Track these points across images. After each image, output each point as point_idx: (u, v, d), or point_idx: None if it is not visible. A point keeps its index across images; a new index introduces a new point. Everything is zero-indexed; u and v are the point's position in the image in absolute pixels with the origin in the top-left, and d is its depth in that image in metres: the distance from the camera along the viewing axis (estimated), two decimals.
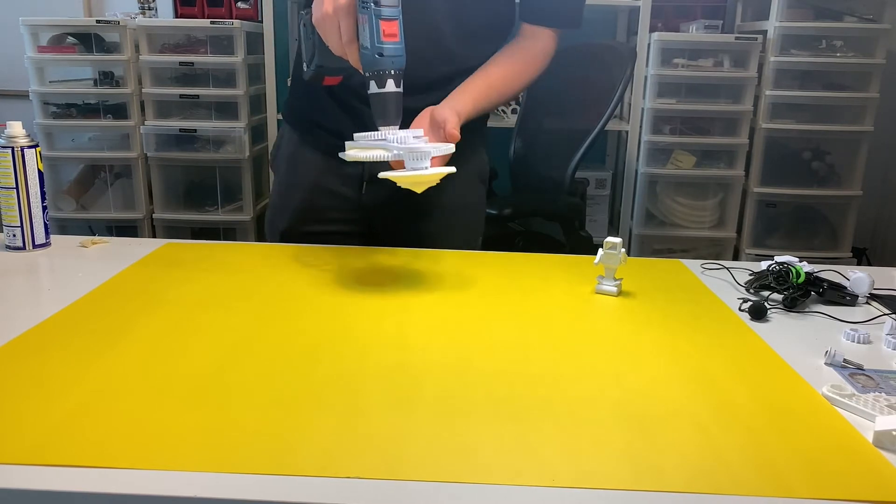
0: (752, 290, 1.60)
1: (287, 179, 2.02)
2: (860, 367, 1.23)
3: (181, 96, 3.89)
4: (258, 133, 4.14)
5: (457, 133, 1.56)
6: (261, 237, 4.07)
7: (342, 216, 1.99)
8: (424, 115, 1.63)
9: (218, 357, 1.18)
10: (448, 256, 1.77)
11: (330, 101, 1.90)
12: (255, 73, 4.05)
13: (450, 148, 1.48)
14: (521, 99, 3.80)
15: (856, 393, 1.11)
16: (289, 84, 3.89)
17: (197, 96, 3.89)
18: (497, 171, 3.41)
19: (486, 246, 2.03)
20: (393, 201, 1.96)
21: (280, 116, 3.85)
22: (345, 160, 1.49)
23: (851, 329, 1.38)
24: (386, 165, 1.64)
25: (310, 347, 1.23)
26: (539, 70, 1.88)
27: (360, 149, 1.45)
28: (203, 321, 1.33)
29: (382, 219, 2.00)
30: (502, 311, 1.43)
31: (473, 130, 2.03)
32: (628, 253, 1.73)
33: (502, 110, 4.05)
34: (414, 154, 1.41)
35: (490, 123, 3.99)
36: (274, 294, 1.48)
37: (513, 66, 1.83)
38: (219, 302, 1.43)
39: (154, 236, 4.02)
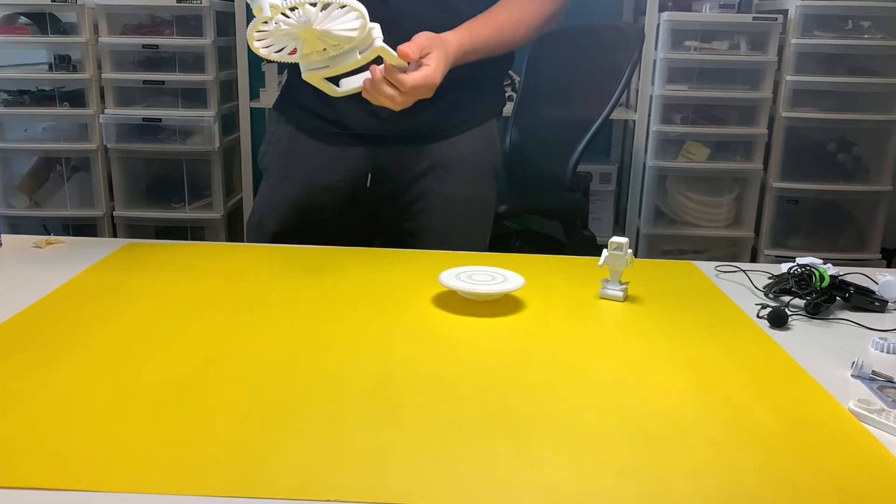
0: (771, 295, 1.60)
1: (281, 174, 2.01)
2: (890, 380, 1.23)
3: (144, 82, 3.88)
4: (229, 122, 4.13)
5: (408, 51, 1.59)
6: (232, 237, 4.07)
7: (341, 212, 1.99)
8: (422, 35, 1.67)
9: (185, 368, 1.18)
10: (438, 258, 1.77)
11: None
12: (226, 57, 4.04)
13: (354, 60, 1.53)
14: (517, 85, 3.79)
15: (885, 408, 1.11)
16: (263, 68, 3.89)
17: (162, 82, 3.89)
18: None
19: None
20: (399, 194, 1.96)
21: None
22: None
23: (880, 338, 1.38)
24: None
25: (286, 357, 1.23)
26: (548, 13, 1.91)
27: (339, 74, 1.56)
28: (169, 329, 1.33)
29: (386, 213, 2.01)
30: (497, 317, 1.43)
31: (489, 115, 2.03)
32: (635, 254, 1.73)
33: None
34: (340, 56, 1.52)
35: None
36: (246, 299, 1.48)
37: (518, 4, 1.90)
38: (186, 308, 1.43)
39: (115, 236, 4.01)
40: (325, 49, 1.51)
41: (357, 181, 1.96)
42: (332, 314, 1.42)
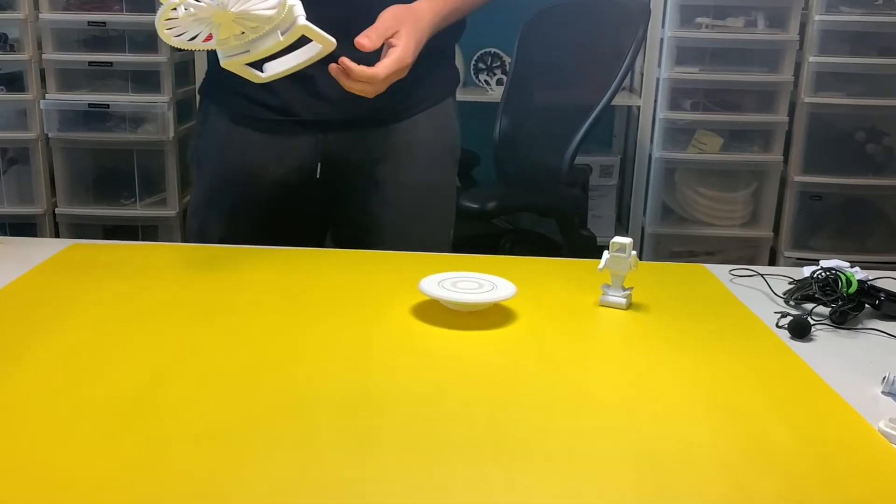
0: (792, 303, 1.60)
1: (218, 172, 2.00)
2: None
3: (90, 63, 3.87)
4: (185, 109, 4.12)
5: (364, 42, 1.66)
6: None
7: (289, 209, 1.99)
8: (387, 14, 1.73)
9: (135, 385, 1.18)
10: (416, 262, 1.77)
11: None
12: None
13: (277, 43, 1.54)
14: (507, 68, 3.80)
15: None
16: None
17: (110, 64, 3.88)
18: (478, 156, 3.42)
19: (466, 247, 2.03)
20: (353, 185, 1.96)
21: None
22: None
23: None
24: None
25: (249, 372, 1.23)
26: None
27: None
28: (117, 341, 1.32)
29: (339, 207, 2.01)
30: (485, 329, 1.43)
31: (445, 93, 2.05)
32: (640, 256, 1.73)
33: (485, 80, 4.06)
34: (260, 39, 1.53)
35: (470, 97, 4.00)
36: (205, 307, 1.48)
37: None
38: (137, 317, 1.42)
39: (57, 235, 3.99)
40: (242, 32, 1.50)
41: (306, 173, 1.95)
42: (301, 324, 1.42)
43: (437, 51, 1.89)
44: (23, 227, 3.99)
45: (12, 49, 3.86)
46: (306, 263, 1.73)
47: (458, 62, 4.04)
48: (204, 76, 2.10)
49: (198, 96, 2.11)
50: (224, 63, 1.55)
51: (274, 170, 1.95)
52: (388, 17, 1.72)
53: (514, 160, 3.26)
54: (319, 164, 1.95)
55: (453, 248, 2.10)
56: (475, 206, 2.68)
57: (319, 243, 2.06)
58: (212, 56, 1.59)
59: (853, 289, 1.53)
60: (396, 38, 1.70)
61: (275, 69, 1.61)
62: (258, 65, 1.60)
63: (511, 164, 3.27)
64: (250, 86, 1.78)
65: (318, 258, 1.77)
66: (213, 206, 2.01)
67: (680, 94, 3.96)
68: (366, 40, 1.66)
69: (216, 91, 2.02)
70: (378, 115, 1.94)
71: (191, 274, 1.64)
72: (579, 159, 2.79)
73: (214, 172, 2.00)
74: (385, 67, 1.67)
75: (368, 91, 1.69)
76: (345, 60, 1.65)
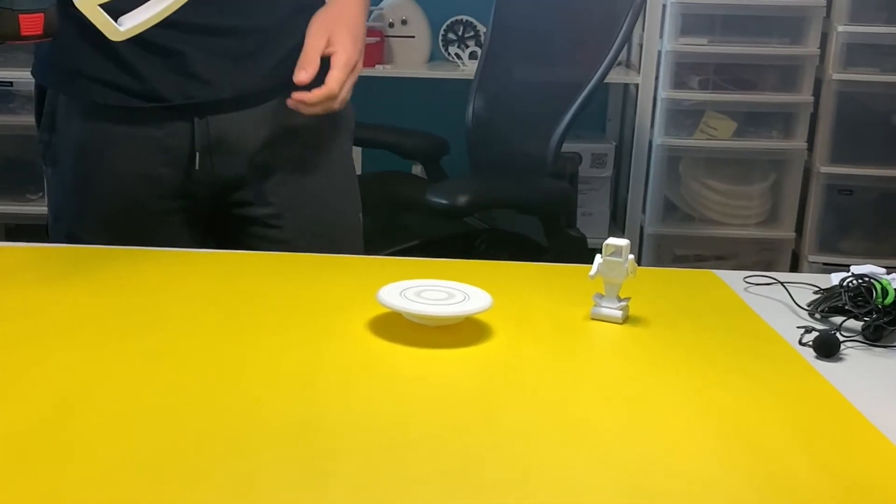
0: (818, 316, 1.61)
1: (79, 171, 1.97)
2: None
3: None
4: None
5: (302, 76, 1.82)
6: None
7: (167, 209, 1.98)
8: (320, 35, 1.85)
9: (42, 410, 1.17)
10: (374, 265, 1.77)
11: (126, 44, 1.87)
12: None
13: None
14: (482, 38, 3.80)
15: None
16: None
17: None
18: (448, 143, 3.41)
19: (434, 250, 2.03)
20: (241, 175, 1.96)
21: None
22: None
23: None
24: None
25: (177, 396, 1.22)
26: None
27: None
28: (21, 361, 1.31)
29: (227, 202, 2.00)
30: (456, 347, 1.43)
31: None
32: (639, 261, 1.73)
33: (456, 54, 4.06)
34: None
35: (438, 74, 4.00)
36: (125, 318, 1.47)
37: None
38: (45, 330, 1.41)
39: None
40: None
41: (183, 167, 1.95)
42: (239, 341, 1.41)
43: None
44: None
45: None
46: (244, 269, 1.73)
47: (425, 32, 4.04)
48: (34, 61, 2.05)
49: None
50: (78, 2, 1.51)
51: (144, 166, 1.93)
52: (312, 33, 1.86)
53: (489, 148, 3.26)
54: (198, 155, 1.94)
55: (420, 251, 2.10)
56: (444, 201, 2.68)
57: (204, 243, 2.06)
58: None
59: (889, 299, 1.54)
60: (331, 45, 1.84)
61: (136, 19, 1.56)
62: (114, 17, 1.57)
63: (486, 153, 3.27)
64: (105, 68, 1.77)
65: (259, 263, 1.77)
66: (77, 211, 1.99)
67: (686, 70, 3.97)
68: (303, 74, 1.81)
69: (59, 76, 1.98)
70: (261, 89, 1.96)
71: (108, 282, 1.63)
72: (567, 147, 2.79)
73: (74, 173, 1.98)
74: (336, 80, 1.83)
75: (336, 105, 1.85)
76: (296, 96, 1.79)
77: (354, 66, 1.87)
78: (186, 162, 1.94)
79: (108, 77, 1.89)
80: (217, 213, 2.03)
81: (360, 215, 2.17)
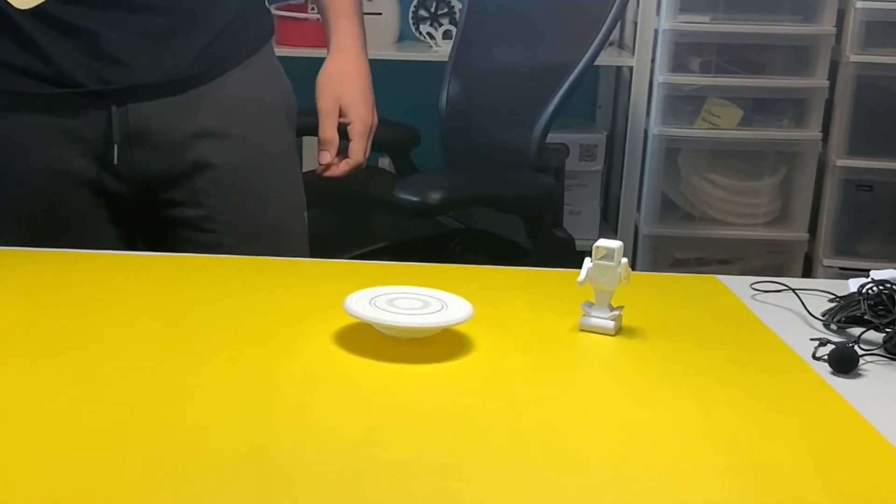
0: (834, 326, 1.61)
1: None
2: None
3: None
4: None
5: (327, 158, 2.12)
6: None
7: (85, 208, 1.97)
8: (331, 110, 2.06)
9: None
10: (340, 269, 1.77)
11: (32, 23, 1.87)
12: None
13: None
14: (457, 16, 3.80)
15: None
16: None
17: None
18: (419, 133, 3.41)
19: (405, 253, 2.03)
20: (166, 170, 1.95)
21: None
22: None
23: None
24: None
25: (114, 417, 1.22)
26: None
27: None
28: None
29: (152, 201, 1.99)
30: (431, 358, 1.43)
31: (262, 36, 2.11)
32: (633, 265, 1.74)
33: (428, 33, 4.06)
34: None
35: (408, 56, 4.00)
36: (54, 330, 1.47)
37: None
38: None
39: None
40: None
41: (99, 161, 1.94)
42: (185, 356, 1.41)
43: None
44: None
45: None
46: (186, 274, 1.73)
47: (393, 8, 4.04)
48: None
49: None
50: None
51: (58, 158, 1.92)
52: (323, 106, 2.07)
53: (465, 138, 3.26)
54: (116, 147, 1.93)
55: (388, 254, 2.10)
56: (415, 198, 2.67)
57: (131, 245, 2.05)
58: None
59: None
60: (345, 115, 2.05)
61: None
62: None
63: (462, 144, 3.27)
64: (10, 50, 1.76)
65: (203, 267, 1.77)
66: None
67: (685, 52, 3.98)
68: (327, 156, 2.07)
69: None
70: (188, 72, 1.96)
71: (28, 288, 1.64)
72: (552, 137, 2.79)
73: None
74: (359, 152, 2.11)
75: (362, 167, 2.14)
76: (329, 174, 2.07)
77: (372, 126, 2.07)
78: (104, 154, 1.93)
79: (15, 60, 1.88)
80: (144, 212, 2.02)
81: (305, 214, 2.18)
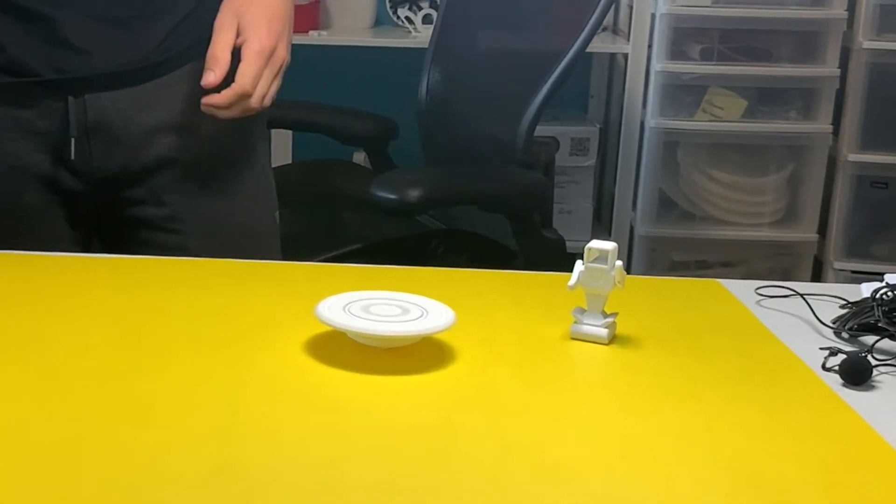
0: (845, 335, 1.62)
1: None
2: None
3: None
4: None
5: (210, 78, 1.86)
6: None
7: (40, 206, 1.97)
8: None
9: None
10: (312, 273, 1.78)
11: None
12: None
13: None
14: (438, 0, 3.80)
15: None
16: None
17: None
18: (397, 126, 3.41)
19: (379, 255, 2.03)
20: (127, 166, 1.95)
21: None
22: None
23: None
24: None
25: (67, 433, 1.22)
26: None
27: None
28: None
29: (112, 200, 1.99)
30: (411, 369, 1.43)
31: None
32: (629, 268, 1.74)
33: (406, 18, 4.06)
34: None
35: (385, 42, 4.00)
36: (1, 336, 1.47)
37: None
38: None
39: None
40: None
41: (57, 153, 1.94)
42: (143, 368, 1.40)
43: None
44: None
45: None
46: (147, 278, 1.74)
47: None
48: None
49: None
50: None
51: (12, 152, 1.92)
52: (220, 23, 1.89)
53: (447, 131, 3.27)
54: (73, 141, 1.93)
55: (363, 257, 2.10)
56: (392, 196, 2.67)
57: (88, 247, 2.05)
58: None
59: None
60: (242, 33, 1.86)
61: None
62: None
63: (443, 137, 3.28)
64: None
65: (165, 271, 1.77)
66: None
67: (685, 37, 3.99)
68: (211, 76, 1.84)
69: None
70: (147, 65, 1.96)
71: None
72: (541, 130, 2.80)
73: None
74: (246, 74, 1.86)
75: (254, 104, 1.89)
76: (206, 100, 1.84)
77: (272, 54, 1.88)
78: (61, 149, 1.93)
79: None
80: (103, 211, 2.02)
81: (277, 215, 2.18)
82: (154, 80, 1.96)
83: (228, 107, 1.86)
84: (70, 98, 1.91)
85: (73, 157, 1.92)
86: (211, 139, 2.01)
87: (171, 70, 1.95)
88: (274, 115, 2.16)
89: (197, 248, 1.97)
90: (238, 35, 1.88)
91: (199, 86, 1.84)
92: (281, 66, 1.92)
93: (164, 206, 2.00)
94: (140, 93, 1.95)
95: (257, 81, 1.85)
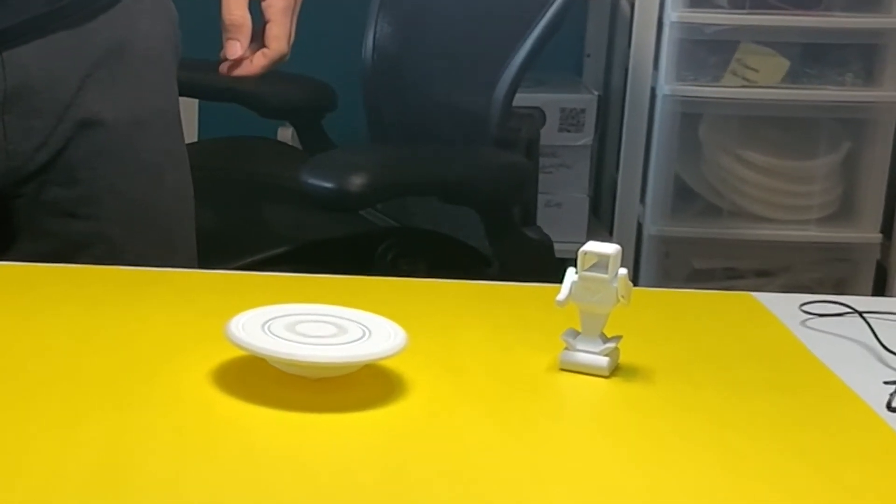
0: None
1: None
2: None
3: None
4: None
5: (235, 48, 2.01)
6: None
7: None
8: None
9: None
10: (212, 283, 1.79)
11: None
12: None
13: None
14: None
15: None
16: None
17: None
18: (334, 93, 3.42)
19: (312, 260, 2.04)
20: (41, 129, 1.96)
21: None
22: None
23: None
24: None
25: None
26: None
27: None
28: None
29: (19, 171, 2.00)
30: (351, 405, 1.44)
31: None
32: (636, 278, 1.75)
33: None
34: None
35: None
36: None
37: None
38: None
39: None
40: None
41: None
42: (15, 411, 1.40)
43: None
44: None
45: None
46: (22, 290, 1.74)
47: None
48: None
49: None
50: None
51: None
52: (235, 21, 1.99)
53: (399, 100, 3.28)
54: None
55: (292, 262, 2.11)
56: (328, 184, 2.68)
57: None
58: None
59: None
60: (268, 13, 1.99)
61: None
62: None
63: (394, 108, 3.29)
64: None
65: (43, 280, 1.78)
66: None
67: None
68: (235, 46, 1.99)
69: None
70: (70, 8, 1.97)
71: None
72: (521, 99, 2.81)
73: None
74: (282, 38, 2.04)
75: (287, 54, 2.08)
76: (240, 72, 2.02)
77: (295, 6, 2.01)
78: None
79: None
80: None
81: (192, 206, 2.19)
82: (81, 26, 1.97)
83: (266, 67, 2.04)
84: None
85: None
86: (140, 98, 2.05)
87: (99, 15, 1.95)
88: (186, 80, 2.18)
89: (120, 237, 2.00)
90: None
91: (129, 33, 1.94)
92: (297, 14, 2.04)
93: (75, 185, 2.00)
94: (67, 42, 1.97)
95: (291, 41, 2.00)
